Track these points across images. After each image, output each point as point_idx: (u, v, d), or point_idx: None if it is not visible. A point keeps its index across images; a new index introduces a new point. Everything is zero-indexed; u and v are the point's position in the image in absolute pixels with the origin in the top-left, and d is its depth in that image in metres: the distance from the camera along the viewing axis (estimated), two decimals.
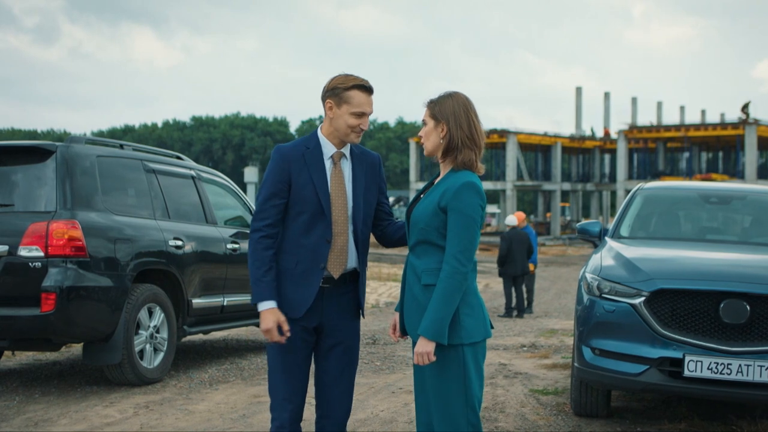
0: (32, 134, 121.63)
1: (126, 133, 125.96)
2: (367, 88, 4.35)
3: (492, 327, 4.15)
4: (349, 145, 4.47)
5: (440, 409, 4.02)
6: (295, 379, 4.39)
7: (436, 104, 4.13)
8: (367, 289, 22.88)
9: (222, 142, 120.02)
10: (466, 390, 3.99)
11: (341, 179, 4.40)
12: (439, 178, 4.16)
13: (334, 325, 4.42)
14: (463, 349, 3.97)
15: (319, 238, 4.32)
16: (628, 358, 6.30)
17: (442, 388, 4.00)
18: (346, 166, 4.45)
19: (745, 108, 58.68)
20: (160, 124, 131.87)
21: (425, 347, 3.92)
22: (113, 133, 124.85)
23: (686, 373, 6.08)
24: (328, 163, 4.40)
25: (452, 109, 4.07)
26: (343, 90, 4.33)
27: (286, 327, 4.25)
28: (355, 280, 4.45)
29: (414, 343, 4.07)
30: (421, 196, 4.20)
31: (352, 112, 4.33)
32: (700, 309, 6.16)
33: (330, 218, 4.32)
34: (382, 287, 24.17)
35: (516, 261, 16.91)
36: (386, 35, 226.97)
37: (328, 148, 4.42)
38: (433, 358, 3.93)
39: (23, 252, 7.43)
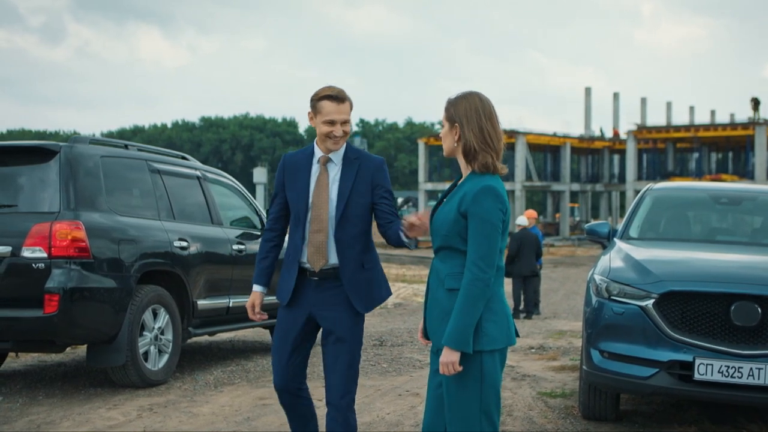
0: (42, 135, 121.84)
1: (135, 133, 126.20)
2: (335, 98, 4.76)
3: (518, 335, 4.05)
4: (341, 150, 4.86)
5: (455, 415, 3.96)
6: (277, 353, 4.96)
7: (451, 105, 4.08)
8: None
9: (231, 143, 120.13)
10: (482, 397, 3.92)
11: (325, 181, 4.80)
12: (461, 180, 4.10)
13: (325, 316, 4.85)
14: (482, 356, 3.90)
15: (301, 235, 4.82)
16: (637, 361, 6.22)
17: (458, 393, 3.94)
18: (333, 170, 4.84)
19: (756, 106, 58.50)
20: (169, 125, 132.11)
21: (449, 357, 3.85)
22: (122, 134, 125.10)
23: (696, 376, 6.00)
24: (315, 167, 4.86)
25: (464, 112, 4.01)
26: (316, 101, 4.81)
27: (257, 309, 4.99)
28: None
29: (433, 348, 4.07)
30: (444, 199, 4.14)
31: (324, 120, 4.76)
32: (711, 311, 6.08)
33: (306, 217, 4.79)
34: (391, 288, 24.10)
35: (524, 261, 16.86)
36: (394, 35, 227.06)
37: (318, 154, 4.88)
38: (459, 368, 3.86)
39: (26, 253, 7.37)
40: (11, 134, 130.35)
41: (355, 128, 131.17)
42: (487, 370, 3.91)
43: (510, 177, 65.11)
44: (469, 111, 4.00)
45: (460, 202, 3.94)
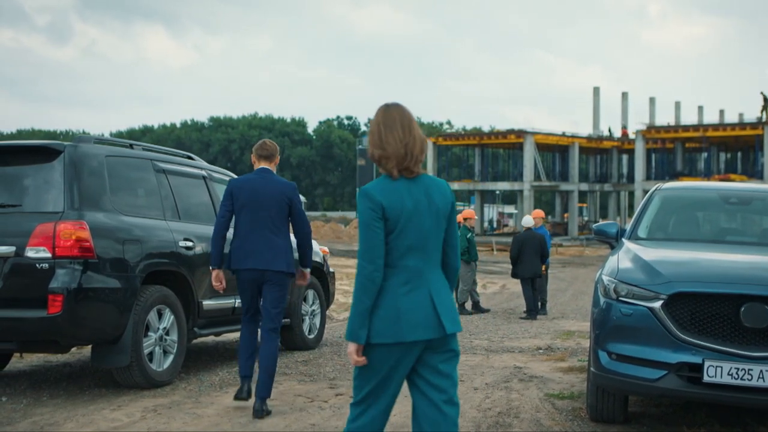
0: (52, 135, 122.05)
1: (145, 133, 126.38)
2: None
3: (423, 332, 4.10)
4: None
5: None
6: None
7: None
8: None
9: (240, 143, 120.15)
10: (361, 389, 4.22)
11: None
12: None
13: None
14: (371, 349, 4.11)
15: None
16: (645, 363, 6.15)
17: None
18: None
19: (766, 102, 58.33)
20: (178, 125, 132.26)
21: (348, 348, 4.16)
22: (132, 134, 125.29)
23: (706, 378, 5.92)
24: None
25: (371, 126, 4.32)
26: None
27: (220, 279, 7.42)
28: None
29: None
30: None
31: None
32: (720, 313, 6.00)
33: None
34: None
35: (526, 263, 16.69)
36: (400, 34, 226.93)
37: None
38: (357, 358, 4.12)
39: (30, 253, 7.33)
40: (21, 134, 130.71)
41: (363, 129, 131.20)
42: (372, 362, 4.13)
43: (518, 177, 65.09)
44: (373, 125, 4.29)
45: None
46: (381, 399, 4.22)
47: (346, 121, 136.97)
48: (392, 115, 4.27)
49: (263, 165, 7.43)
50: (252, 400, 7.24)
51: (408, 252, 4.14)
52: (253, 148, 7.55)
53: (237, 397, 7.43)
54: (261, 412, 7.03)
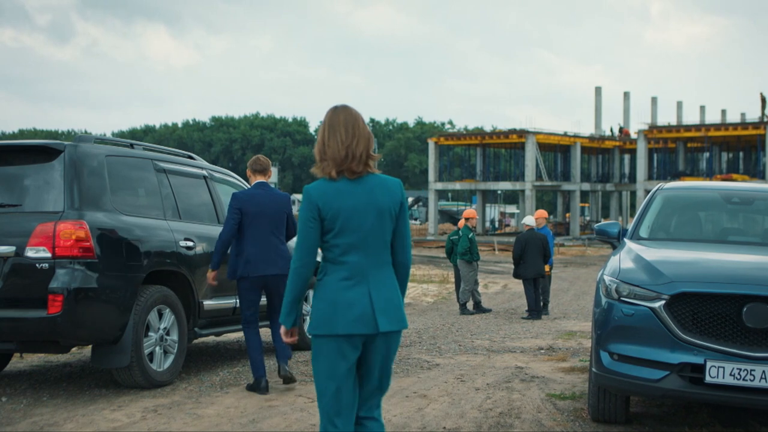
0: (54, 134, 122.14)
1: (147, 133, 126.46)
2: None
3: (356, 327, 4.27)
4: None
5: None
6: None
7: None
8: None
9: (242, 143, 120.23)
10: (315, 375, 4.39)
11: None
12: None
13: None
14: (313, 339, 4.38)
15: None
16: (647, 364, 6.12)
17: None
18: None
19: (765, 103, 58.24)
20: (180, 125, 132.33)
21: (281, 329, 4.57)
22: (134, 134, 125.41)
23: (708, 379, 5.89)
24: None
25: (320, 126, 4.52)
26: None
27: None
28: None
29: None
30: None
31: None
32: (723, 313, 5.97)
33: None
34: None
35: (529, 263, 16.58)
36: (403, 34, 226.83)
37: None
38: (288, 338, 4.52)
39: (30, 253, 7.31)
40: (23, 134, 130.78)
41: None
42: (314, 352, 4.38)
43: (520, 177, 65.00)
44: (320, 127, 4.48)
45: None
46: (331, 384, 4.33)
47: None
48: (338, 117, 4.43)
49: (259, 179, 8.28)
50: (248, 400, 7.21)
51: (349, 249, 4.30)
52: (248, 163, 8.39)
53: (254, 389, 8.03)
54: (289, 373, 8.16)
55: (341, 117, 4.43)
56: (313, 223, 4.29)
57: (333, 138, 4.37)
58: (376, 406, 4.51)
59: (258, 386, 7.98)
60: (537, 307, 16.56)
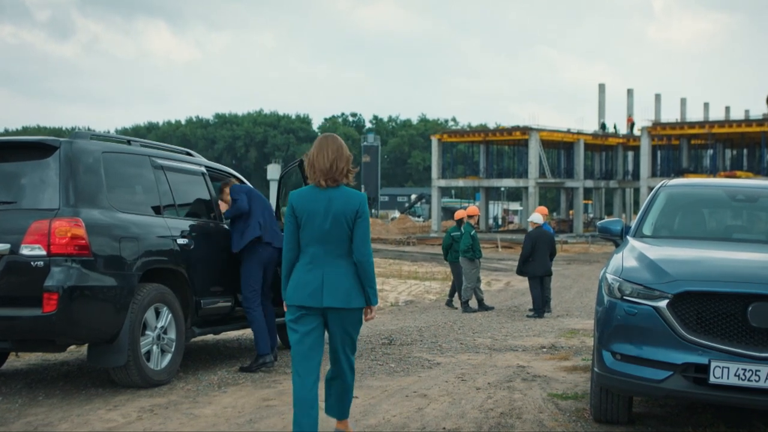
0: (57, 131, 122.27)
1: (150, 130, 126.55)
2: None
3: (307, 300, 5.56)
4: None
5: None
6: None
7: None
8: (387, 287, 22.66)
9: (245, 140, 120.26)
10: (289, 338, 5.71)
11: None
12: None
13: None
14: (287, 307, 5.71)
15: None
16: (650, 364, 6.02)
17: None
18: None
19: None
20: (183, 122, 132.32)
21: None
22: (137, 130, 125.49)
23: (712, 379, 5.79)
24: None
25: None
26: None
27: None
28: None
29: None
30: None
31: None
32: (727, 312, 5.87)
33: None
34: (402, 285, 23.93)
35: (537, 261, 16.43)
36: (406, 31, 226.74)
37: None
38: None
39: (25, 251, 7.22)
40: (27, 131, 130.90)
41: (368, 125, 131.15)
42: (286, 317, 5.71)
43: (523, 174, 64.90)
44: (312, 148, 5.74)
45: None
46: (294, 337, 5.67)
47: (350, 118, 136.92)
48: (326, 141, 5.71)
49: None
50: (246, 399, 7.13)
51: (311, 242, 5.61)
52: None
53: (263, 366, 9.02)
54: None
55: (329, 142, 5.69)
56: (291, 219, 5.67)
57: (321, 155, 5.63)
58: (345, 372, 5.86)
59: (262, 362, 8.94)
60: (542, 306, 16.44)
